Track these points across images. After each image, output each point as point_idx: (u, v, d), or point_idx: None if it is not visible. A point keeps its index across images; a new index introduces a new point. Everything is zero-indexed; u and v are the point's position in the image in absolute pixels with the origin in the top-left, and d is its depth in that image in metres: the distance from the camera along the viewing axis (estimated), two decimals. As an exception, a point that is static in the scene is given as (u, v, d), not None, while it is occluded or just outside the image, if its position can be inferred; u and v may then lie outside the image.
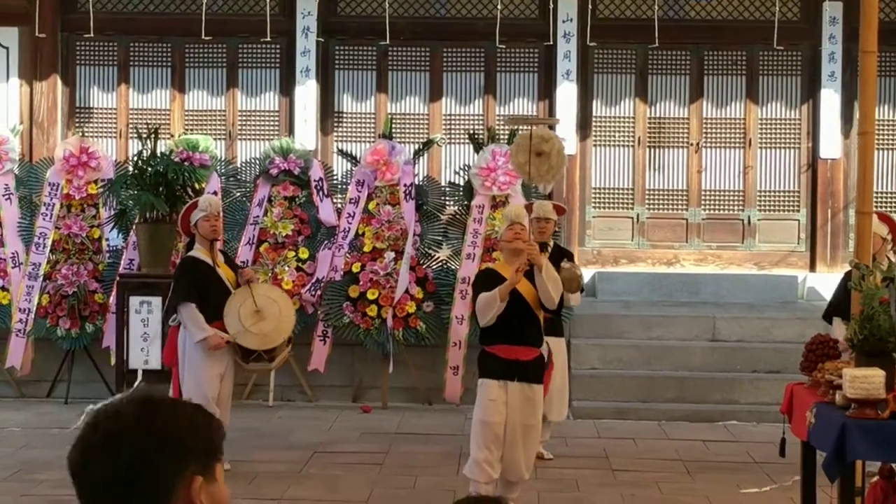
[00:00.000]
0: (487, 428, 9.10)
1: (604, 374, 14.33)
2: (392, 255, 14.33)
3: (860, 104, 8.79)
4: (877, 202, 14.78)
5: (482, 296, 9.08)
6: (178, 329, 10.94)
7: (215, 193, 14.43)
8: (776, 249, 16.55)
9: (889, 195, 16.44)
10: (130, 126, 16.25)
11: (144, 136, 14.43)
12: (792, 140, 16.56)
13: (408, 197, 14.53)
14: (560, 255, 11.03)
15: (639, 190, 16.65)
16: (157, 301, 13.62)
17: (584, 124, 16.49)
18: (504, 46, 16.17)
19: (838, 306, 10.78)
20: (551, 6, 16.05)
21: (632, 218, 16.68)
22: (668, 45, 16.17)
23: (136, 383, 13.45)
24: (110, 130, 16.63)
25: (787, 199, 16.59)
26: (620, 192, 16.69)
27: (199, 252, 10.93)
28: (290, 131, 16.14)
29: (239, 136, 16.63)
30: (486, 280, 9.27)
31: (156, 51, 16.66)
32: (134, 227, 14.28)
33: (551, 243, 11.35)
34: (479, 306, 9.12)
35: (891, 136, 16.51)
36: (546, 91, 16.48)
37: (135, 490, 2.81)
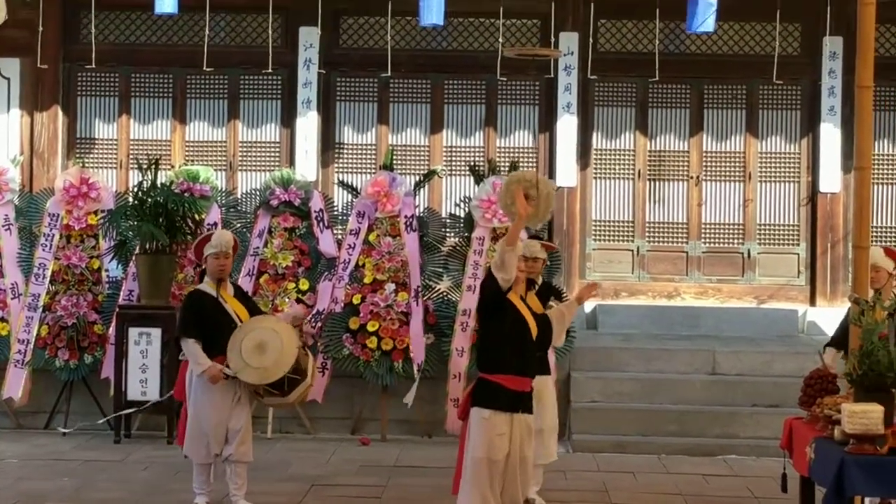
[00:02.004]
0: (493, 466, 9.01)
1: (604, 406, 14.29)
2: (392, 286, 14.32)
3: (857, 139, 8.82)
4: (875, 237, 14.78)
5: (496, 253, 9.13)
6: (188, 363, 10.87)
7: (215, 225, 14.44)
8: (776, 283, 16.55)
9: (888, 229, 16.45)
10: (131, 157, 16.28)
11: (145, 167, 14.44)
12: (792, 174, 16.57)
13: (409, 229, 14.51)
14: (548, 293, 11.00)
15: (639, 222, 16.67)
16: (156, 332, 13.62)
17: (585, 157, 16.51)
18: (505, 79, 16.20)
19: (837, 340, 10.78)
20: (552, 40, 16.09)
21: (632, 250, 16.69)
22: (669, 79, 16.19)
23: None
24: (111, 161, 16.66)
25: (786, 232, 16.60)
26: (621, 224, 16.71)
27: (206, 286, 10.85)
28: (291, 162, 16.17)
29: (240, 167, 16.66)
30: (494, 284, 9.16)
31: (157, 82, 16.70)
32: (134, 257, 14.27)
33: (540, 281, 11.31)
34: (495, 260, 9.05)
35: (888, 171, 16.52)
36: (547, 123, 16.52)
37: None
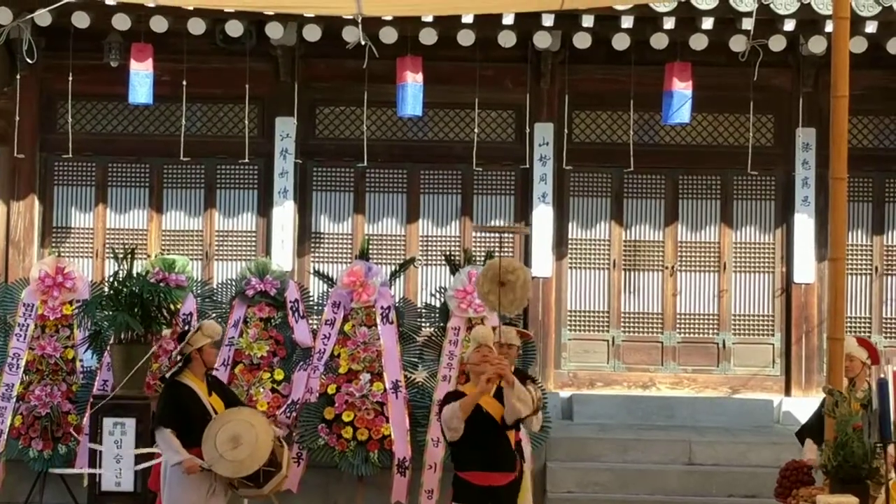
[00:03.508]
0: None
1: (580, 497, 14.24)
2: (367, 376, 14.27)
3: (831, 230, 8.85)
4: (849, 327, 14.84)
5: (447, 408, 9.07)
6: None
7: (191, 314, 14.40)
8: (751, 373, 16.57)
9: (862, 319, 16.51)
10: (107, 246, 16.28)
11: (121, 256, 14.42)
12: (766, 264, 16.65)
13: (385, 320, 14.48)
14: (521, 379, 10.97)
15: (614, 312, 16.70)
16: (130, 422, 13.52)
17: (560, 246, 16.57)
18: (481, 169, 16.29)
19: (812, 429, 10.79)
20: (528, 130, 16.21)
21: (607, 340, 16.70)
22: (644, 169, 16.30)
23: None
24: (87, 250, 16.66)
25: (761, 322, 16.65)
26: (596, 314, 16.73)
27: (188, 378, 10.76)
28: (267, 252, 16.19)
29: (216, 257, 16.66)
30: (454, 401, 9.18)
31: (134, 171, 16.74)
32: (108, 347, 14.21)
33: (512, 368, 11.28)
34: (444, 419, 9.04)
35: (863, 261, 16.61)
36: (522, 213, 16.58)
37: None
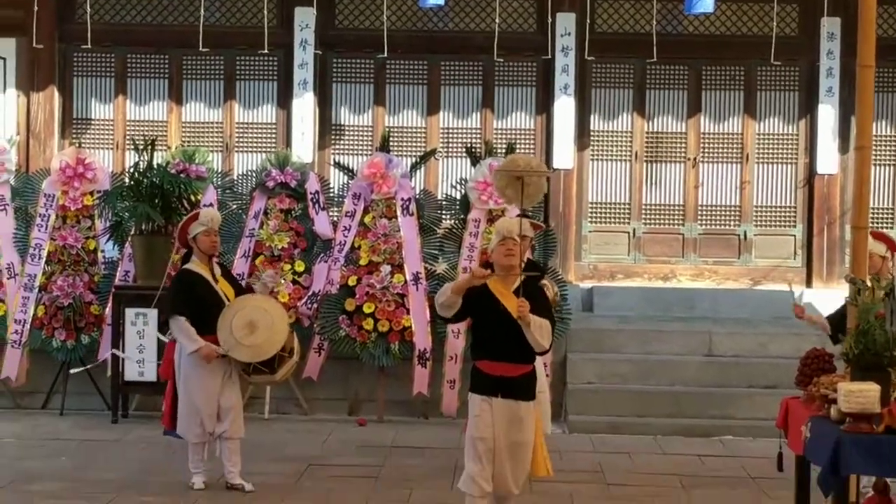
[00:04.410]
0: (478, 443, 9.03)
1: (600, 388, 14.30)
2: (388, 268, 14.30)
3: (857, 118, 8.78)
4: (872, 218, 14.74)
5: (444, 286, 9.03)
6: (175, 343, 10.85)
7: (211, 205, 14.40)
8: (772, 265, 16.55)
9: (884, 211, 16.44)
10: (127, 137, 16.25)
11: (141, 147, 14.41)
12: (789, 155, 16.56)
13: (405, 212, 14.49)
14: (531, 269, 10.91)
15: (635, 205, 16.66)
16: (152, 313, 13.60)
17: (582, 138, 16.49)
18: (502, 60, 16.16)
19: (833, 318, 10.78)
20: (549, 20, 16.06)
21: (628, 233, 16.68)
22: (666, 60, 16.16)
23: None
24: (107, 142, 16.63)
25: (783, 214, 16.59)
26: (617, 206, 16.69)
27: (195, 265, 10.80)
28: (288, 144, 16.15)
29: (236, 149, 16.63)
30: (473, 291, 9.10)
31: (153, 62, 16.66)
32: (130, 238, 14.25)
33: (525, 258, 11.27)
34: (441, 301, 8.98)
35: (887, 152, 16.51)
36: (544, 105, 16.49)
37: None
